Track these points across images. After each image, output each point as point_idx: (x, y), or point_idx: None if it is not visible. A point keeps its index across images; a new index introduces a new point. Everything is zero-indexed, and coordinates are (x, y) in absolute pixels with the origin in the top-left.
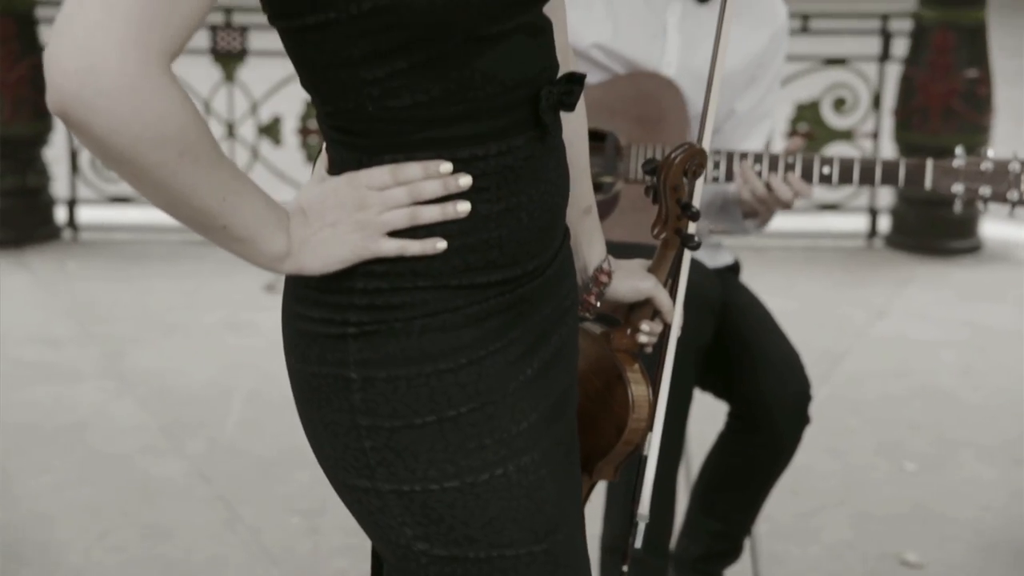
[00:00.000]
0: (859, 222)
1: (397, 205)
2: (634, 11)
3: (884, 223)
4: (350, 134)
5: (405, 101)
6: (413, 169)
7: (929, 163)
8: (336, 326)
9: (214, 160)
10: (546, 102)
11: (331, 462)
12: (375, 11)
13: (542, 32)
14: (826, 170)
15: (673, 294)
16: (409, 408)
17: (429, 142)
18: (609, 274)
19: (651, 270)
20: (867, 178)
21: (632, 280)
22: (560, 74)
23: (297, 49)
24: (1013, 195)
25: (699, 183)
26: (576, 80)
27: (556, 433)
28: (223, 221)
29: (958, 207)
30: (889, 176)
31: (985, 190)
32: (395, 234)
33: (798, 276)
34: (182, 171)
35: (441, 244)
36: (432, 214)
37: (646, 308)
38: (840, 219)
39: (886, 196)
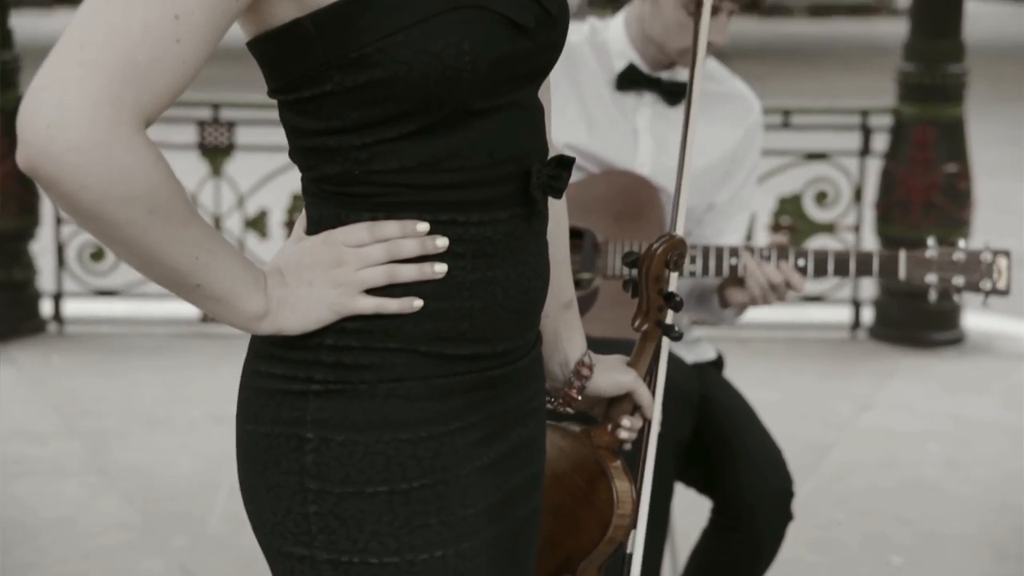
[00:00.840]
0: (842, 314)
1: (374, 263)
2: (606, 113)
3: (867, 315)
4: (333, 193)
5: (392, 165)
6: (390, 227)
7: (902, 254)
8: (299, 383)
9: (186, 219)
10: (536, 179)
11: (268, 528)
12: (370, 84)
13: (535, 112)
14: (801, 262)
15: (653, 388)
16: (362, 475)
17: (411, 205)
18: (591, 367)
19: (631, 364)
20: (842, 270)
21: (613, 374)
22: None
23: (292, 118)
24: (986, 285)
25: (674, 275)
26: (565, 164)
27: (500, 530)
28: (196, 280)
29: (933, 297)
30: (863, 267)
31: (959, 280)
32: (372, 292)
33: (781, 368)
34: (152, 229)
35: (418, 303)
36: (410, 272)
37: (625, 403)
38: (823, 311)
39: (869, 288)
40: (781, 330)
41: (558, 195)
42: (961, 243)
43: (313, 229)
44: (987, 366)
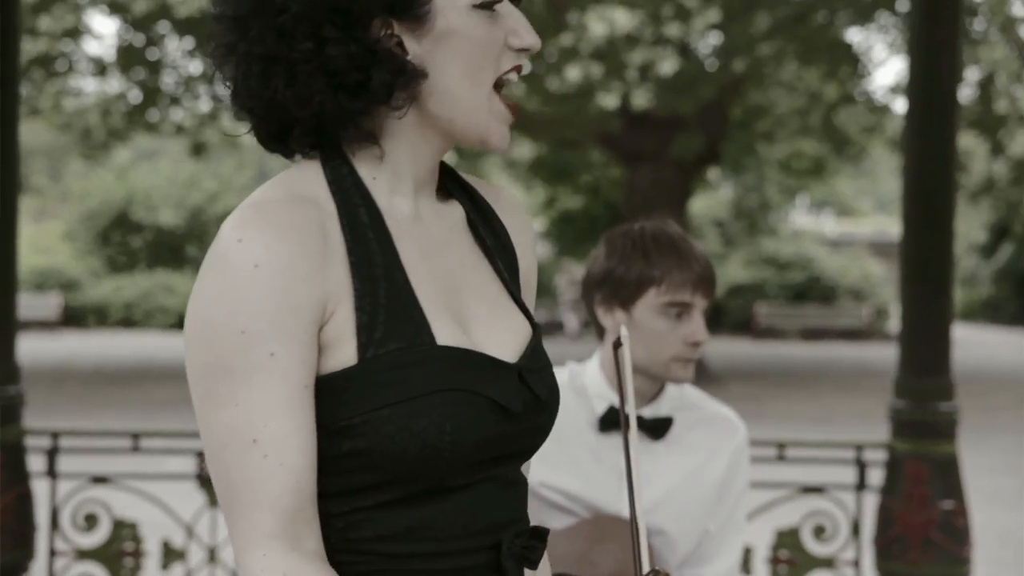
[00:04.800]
0: None
1: None
2: (590, 455)
3: None
4: None
5: (367, 534)
6: None
7: None
8: None
9: None
10: (508, 550)
11: None
12: (353, 453)
13: (513, 485)
14: None
15: None
16: None
17: (383, 573)
18: None
19: None
20: None
21: None
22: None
23: None
24: None
25: None
26: (539, 536)
27: None
28: None
29: None
30: None
31: None
32: None
33: None
34: None
35: None
36: None
37: None
38: None
39: None
40: None
41: (533, 566)
42: None
43: None
44: None
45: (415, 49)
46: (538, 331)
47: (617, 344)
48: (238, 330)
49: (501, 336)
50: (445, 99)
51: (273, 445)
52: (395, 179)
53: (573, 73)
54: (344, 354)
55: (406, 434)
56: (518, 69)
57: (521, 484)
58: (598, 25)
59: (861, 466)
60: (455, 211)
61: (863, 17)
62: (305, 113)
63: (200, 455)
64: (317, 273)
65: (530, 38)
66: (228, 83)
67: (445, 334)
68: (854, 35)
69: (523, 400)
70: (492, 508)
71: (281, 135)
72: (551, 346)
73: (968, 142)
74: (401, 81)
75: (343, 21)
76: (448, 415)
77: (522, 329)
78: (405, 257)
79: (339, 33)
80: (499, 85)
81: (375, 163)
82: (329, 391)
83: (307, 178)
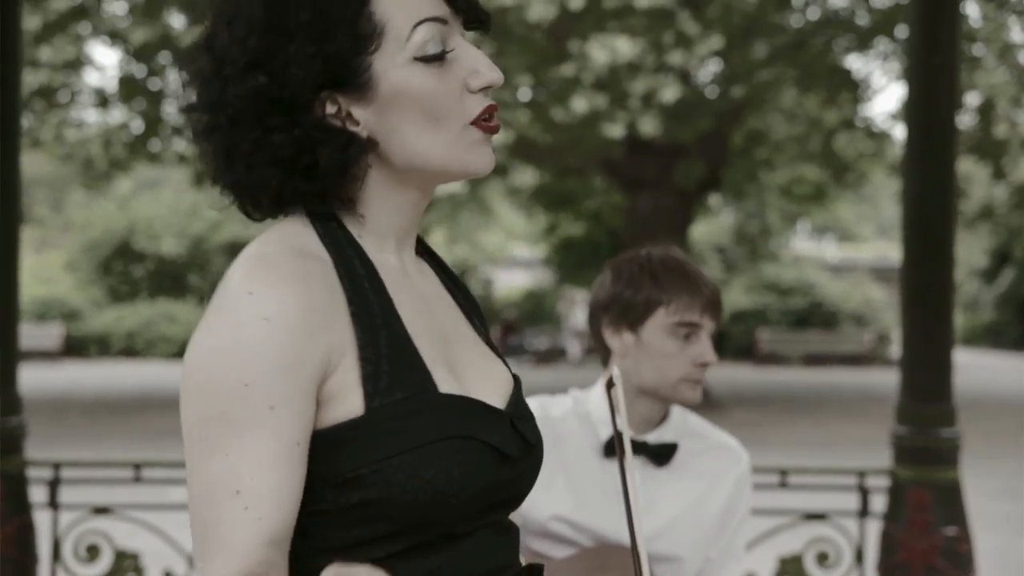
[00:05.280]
0: None
1: None
2: (594, 482)
3: None
4: None
5: None
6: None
7: None
8: None
9: None
10: None
11: None
12: (363, 504)
13: (507, 532)
14: None
15: None
16: None
17: None
18: None
19: None
20: None
21: None
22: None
23: None
24: None
25: None
26: (536, 573)
27: None
28: None
29: None
30: None
31: None
32: None
33: None
34: None
35: None
36: None
37: None
38: None
39: None
40: None
41: None
42: None
43: None
44: None
45: (365, 116)
46: (519, 382)
47: (610, 384)
48: (242, 383)
49: (490, 385)
50: (409, 155)
51: (255, 499)
52: (378, 237)
53: (579, 104)
54: (349, 405)
55: (417, 481)
56: (491, 110)
57: (513, 531)
58: (600, 54)
59: (864, 493)
60: (429, 270)
61: (862, 44)
62: (266, 197)
63: None
64: (324, 327)
65: (491, 75)
66: (207, 165)
67: (444, 383)
68: (853, 61)
69: (517, 446)
70: (492, 554)
71: (257, 208)
72: (554, 372)
73: (967, 167)
74: (352, 154)
75: (284, 107)
76: (456, 462)
77: (506, 379)
78: (399, 308)
79: (281, 119)
80: (476, 120)
81: (358, 223)
82: (334, 443)
83: (300, 232)
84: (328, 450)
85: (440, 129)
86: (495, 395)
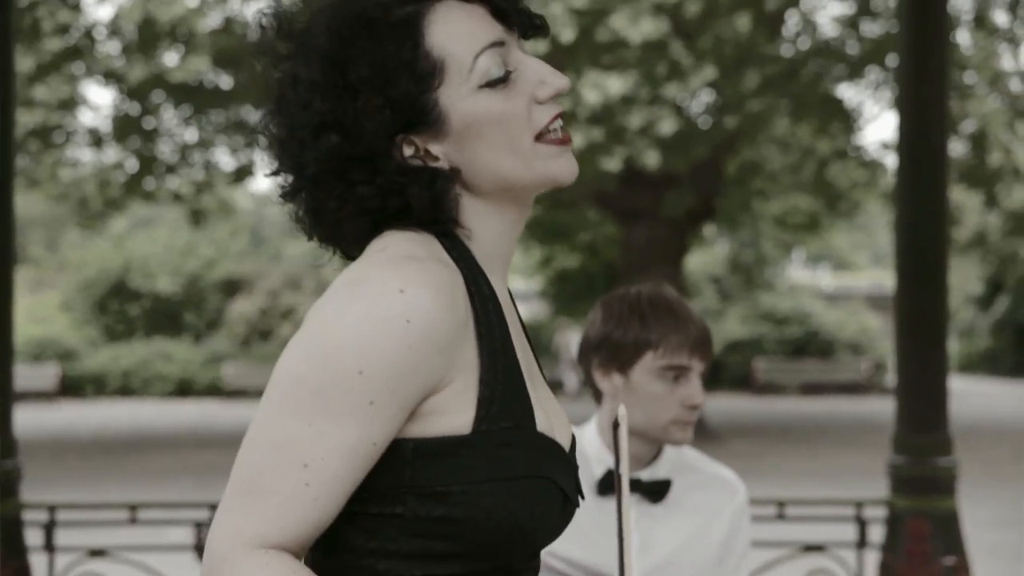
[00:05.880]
0: None
1: None
2: (590, 519)
3: None
4: None
5: None
6: None
7: None
8: None
9: None
10: None
11: None
12: (444, 519)
13: (536, 573)
14: None
15: None
16: None
17: None
18: None
19: None
20: None
21: None
22: None
23: (346, 530)
24: None
25: None
26: None
27: None
28: None
29: None
30: None
31: None
32: None
33: None
34: None
35: None
36: None
37: None
38: None
39: None
40: None
41: None
42: None
43: None
44: None
45: (443, 151)
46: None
47: (615, 425)
48: (357, 369)
49: (563, 427)
50: (494, 178)
51: (320, 480)
52: (485, 259)
53: (576, 140)
54: (457, 421)
55: (503, 511)
56: (559, 116)
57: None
58: (592, 94)
59: (861, 523)
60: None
61: (853, 73)
62: (365, 243)
63: (198, 525)
64: (455, 343)
65: (558, 81)
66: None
67: (540, 420)
68: (845, 91)
69: (575, 494)
70: None
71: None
72: None
73: (961, 195)
74: (440, 188)
75: (362, 160)
76: (539, 501)
77: (569, 425)
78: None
79: (362, 172)
80: (541, 136)
81: (469, 242)
82: (432, 454)
83: (430, 243)
84: (423, 459)
85: (517, 148)
86: (566, 437)
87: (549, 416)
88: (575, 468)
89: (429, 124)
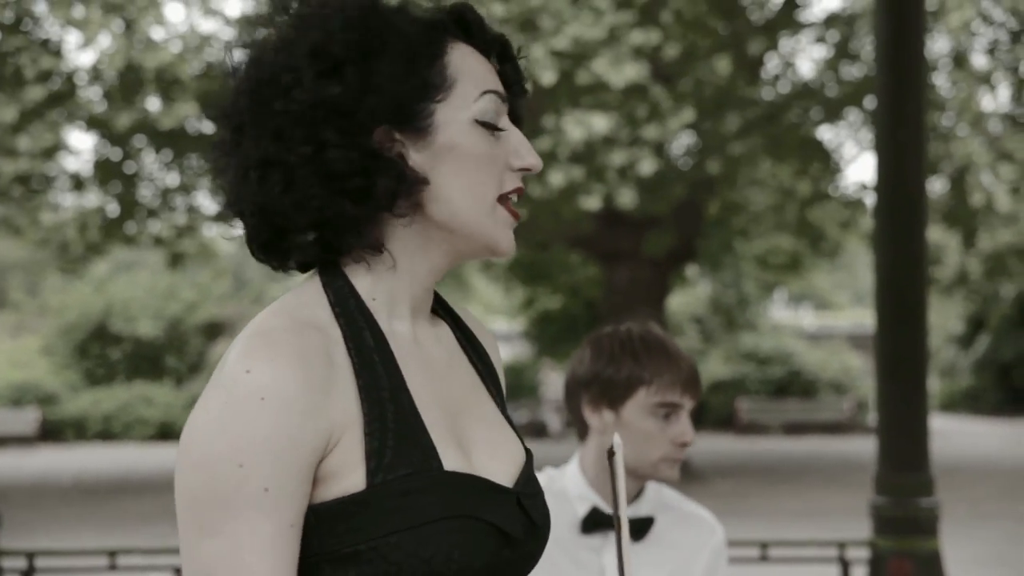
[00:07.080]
0: None
1: None
2: (571, 558)
3: None
4: None
5: None
6: None
7: None
8: None
9: None
10: None
11: None
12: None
13: None
14: None
15: None
16: None
17: None
18: None
19: None
20: None
21: None
22: None
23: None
24: None
25: None
26: None
27: None
28: None
29: None
30: None
31: None
32: None
33: None
34: None
35: None
36: None
37: None
38: None
39: None
40: None
41: None
42: None
43: None
44: None
45: (416, 159)
46: (531, 457)
47: (611, 453)
48: (236, 463)
49: (501, 461)
50: (447, 209)
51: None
52: (392, 301)
53: (556, 178)
54: (351, 480)
55: (414, 561)
56: (519, 191)
57: None
58: (576, 129)
59: (844, 564)
60: (446, 333)
61: (832, 115)
62: (302, 219)
63: (178, 571)
64: (323, 404)
65: (531, 159)
66: (223, 187)
67: (450, 459)
68: (824, 132)
69: (522, 526)
70: None
71: (274, 243)
72: (534, 446)
73: (942, 235)
74: (404, 188)
75: (344, 125)
76: (455, 542)
77: (519, 455)
78: (409, 380)
79: (339, 137)
80: (501, 199)
81: (373, 282)
82: (333, 517)
83: (309, 302)
84: (327, 524)
85: (478, 197)
86: (504, 472)
87: (479, 453)
88: (520, 501)
89: (416, 128)
